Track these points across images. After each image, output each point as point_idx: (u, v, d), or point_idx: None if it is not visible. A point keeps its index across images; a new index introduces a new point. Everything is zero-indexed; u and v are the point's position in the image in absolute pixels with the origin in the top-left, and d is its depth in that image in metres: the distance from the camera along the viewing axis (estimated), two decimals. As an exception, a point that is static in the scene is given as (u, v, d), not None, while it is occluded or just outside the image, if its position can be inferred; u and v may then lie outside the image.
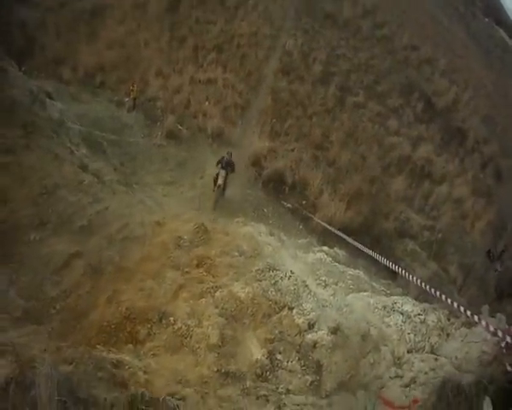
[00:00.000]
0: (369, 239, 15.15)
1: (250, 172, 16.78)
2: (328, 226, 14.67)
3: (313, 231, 15.06)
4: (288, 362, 6.28)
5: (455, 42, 34.65)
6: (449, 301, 7.17)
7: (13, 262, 6.77)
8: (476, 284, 14.85)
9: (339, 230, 14.17)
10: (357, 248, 12.37)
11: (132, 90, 18.57)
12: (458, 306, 6.85)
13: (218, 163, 14.58)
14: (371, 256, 10.98)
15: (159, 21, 23.09)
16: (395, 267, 9.53)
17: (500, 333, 5.44)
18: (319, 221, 15.23)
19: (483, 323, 6.02)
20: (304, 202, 16.16)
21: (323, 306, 7.43)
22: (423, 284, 8.25)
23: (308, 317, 6.98)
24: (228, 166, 14.59)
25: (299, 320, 6.90)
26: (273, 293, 7.32)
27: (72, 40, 21.23)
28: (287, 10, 25.23)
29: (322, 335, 6.67)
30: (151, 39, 22.14)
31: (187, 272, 7.25)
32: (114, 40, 21.90)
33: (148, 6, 23.93)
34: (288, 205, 15.92)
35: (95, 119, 15.85)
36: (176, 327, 6.06)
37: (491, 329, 5.74)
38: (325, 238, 14.36)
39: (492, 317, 6.75)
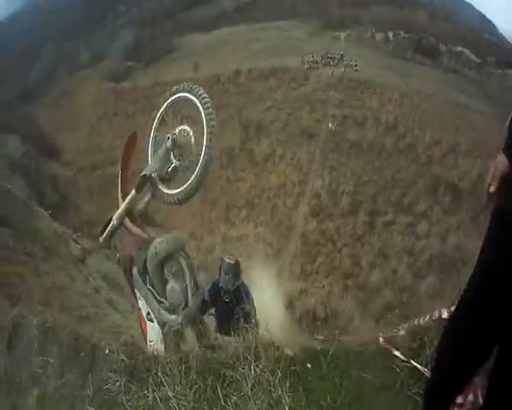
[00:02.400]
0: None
1: (282, 314, 16.91)
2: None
3: None
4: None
5: (474, 117, 35.25)
6: None
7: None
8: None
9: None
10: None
11: None
12: None
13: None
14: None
15: (190, 186, 24.07)
16: None
17: None
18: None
19: None
20: (336, 331, 16.61)
21: None
22: None
23: None
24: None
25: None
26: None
27: (105, 204, 22.32)
28: (313, 153, 26.46)
29: None
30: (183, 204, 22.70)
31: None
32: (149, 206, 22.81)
33: (179, 172, 25.21)
34: (321, 337, 16.17)
35: None
36: None
37: None
38: None
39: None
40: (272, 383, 3.54)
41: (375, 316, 17.62)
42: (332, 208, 23.01)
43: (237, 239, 21.30)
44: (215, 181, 24.61)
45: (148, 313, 5.07)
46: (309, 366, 3.83)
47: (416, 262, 20.85)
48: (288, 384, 3.51)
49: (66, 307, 8.89)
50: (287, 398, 3.41)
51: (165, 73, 42.22)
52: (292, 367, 3.77)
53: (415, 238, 22.04)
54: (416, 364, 3.54)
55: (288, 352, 4.04)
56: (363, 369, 3.67)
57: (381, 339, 4.26)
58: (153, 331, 5.10)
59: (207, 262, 19.42)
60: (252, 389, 3.54)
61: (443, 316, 3.84)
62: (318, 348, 4.08)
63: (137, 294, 5.13)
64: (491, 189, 2.16)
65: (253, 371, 3.64)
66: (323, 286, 19.12)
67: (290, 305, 17.51)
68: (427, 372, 3.39)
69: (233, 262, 6.35)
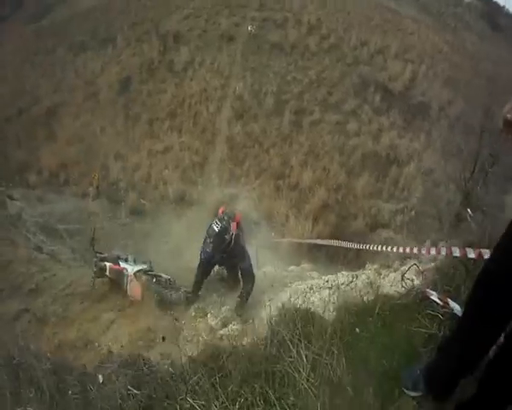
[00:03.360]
0: (342, 245, 15.95)
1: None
2: (291, 239, 15.36)
3: (283, 256, 15.05)
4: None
5: (404, 22, 34.73)
6: (388, 248, 7.32)
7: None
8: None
9: (308, 247, 14.84)
10: (330, 259, 13.15)
11: (94, 179, 18.88)
12: (391, 248, 7.05)
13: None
14: (346, 261, 11.52)
15: (112, 106, 23.70)
16: (357, 246, 10.00)
17: (433, 250, 5.10)
18: (284, 240, 15.80)
19: (423, 252, 5.87)
20: (272, 234, 16.58)
21: (246, 306, 7.52)
22: (363, 246, 8.94)
23: (221, 317, 7.10)
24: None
25: (213, 322, 7.04)
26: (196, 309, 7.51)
27: (32, 146, 21.79)
28: (234, 56, 25.73)
29: (231, 327, 6.76)
30: (107, 125, 22.61)
31: (119, 310, 7.66)
32: (72, 136, 22.39)
33: (100, 94, 24.63)
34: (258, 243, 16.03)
35: (60, 215, 16.21)
36: (98, 349, 6.53)
37: (423, 252, 5.64)
38: (293, 259, 14.15)
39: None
40: (330, 366, 3.27)
41: (311, 216, 17.21)
42: (256, 109, 22.47)
43: (162, 152, 20.74)
44: (136, 97, 23.89)
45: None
46: (357, 330, 3.72)
47: (349, 161, 20.76)
48: (344, 361, 3.30)
49: (15, 286, 8.57)
50: (346, 376, 3.20)
51: (81, 1, 39.39)
52: (345, 339, 3.58)
53: (345, 137, 21.86)
54: (453, 304, 3.57)
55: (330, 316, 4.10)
56: (408, 322, 3.69)
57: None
58: None
59: (134, 181, 18.93)
60: (308, 380, 3.16)
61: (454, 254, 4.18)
62: (361, 305, 4.08)
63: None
64: (509, 116, 2.22)
65: (305, 358, 3.29)
66: (254, 188, 18.92)
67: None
68: (460, 313, 3.37)
69: (217, 230, 6.86)
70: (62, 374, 3.80)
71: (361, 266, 10.09)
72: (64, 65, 28.34)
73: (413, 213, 17.88)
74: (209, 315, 7.17)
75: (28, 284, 8.55)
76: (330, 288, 7.24)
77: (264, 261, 12.84)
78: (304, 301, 6.98)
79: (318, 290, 7.35)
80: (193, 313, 7.25)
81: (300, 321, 3.84)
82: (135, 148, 21.24)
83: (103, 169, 20.30)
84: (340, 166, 20.25)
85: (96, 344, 6.58)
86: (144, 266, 8.15)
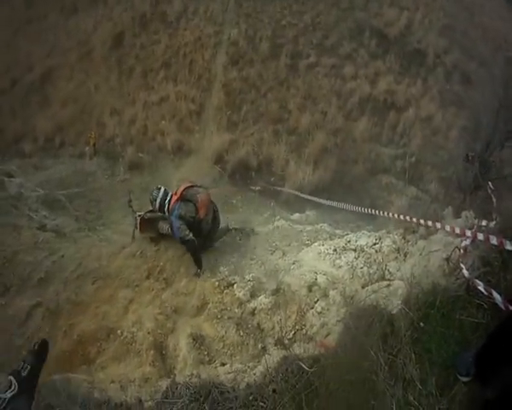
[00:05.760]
0: (342, 189, 16.00)
1: (214, 171, 16.98)
2: (294, 192, 15.26)
3: (286, 202, 15.54)
4: (226, 337, 6.05)
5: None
6: (402, 217, 7.11)
7: (-16, 326, 7.30)
8: (459, 191, 14.14)
9: (310, 192, 14.85)
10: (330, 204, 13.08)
11: (91, 137, 18.81)
12: (411, 219, 6.74)
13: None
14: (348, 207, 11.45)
15: (105, 62, 23.33)
16: (363, 209, 9.85)
17: (469, 233, 4.96)
18: (286, 190, 15.81)
19: (447, 228, 5.66)
20: (272, 179, 16.66)
21: (269, 271, 7.33)
22: (377, 211, 8.60)
23: (249, 287, 6.76)
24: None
25: (240, 293, 6.67)
26: (217, 275, 7.21)
27: (27, 114, 21.56)
28: (227, 3, 25.07)
29: (261, 300, 6.46)
30: (101, 82, 22.42)
31: (137, 285, 7.33)
32: (66, 97, 22.19)
33: (93, 52, 24.19)
34: (258, 188, 16.32)
35: (58, 180, 16.01)
36: (122, 338, 6.20)
37: (457, 231, 5.34)
38: (296, 206, 14.82)
39: (458, 218, 6.75)
40: (403, 363, 3.54)
41: (311, 160, 17.26)
42: (251, 54, 22.06)
43: (158, 103, 20.52)
44: (130, 51, 23.49)
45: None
46: (422, 324, 3.95)
47: (346, 104, 20.61)
48: (414, 357, 3.56)
49: (23, 278, 8.06)
50: (414, 371, 3.45)
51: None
52: (414, 336, 3.82)
53: (341, 80, 21.64)
54: (496, 295, 3.67)
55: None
56: (461, 311, 3.93)
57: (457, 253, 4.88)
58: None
59: (131, 135, 18.73)
60: (384, 380, 3.41)
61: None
62: (422, 298, 4.24)
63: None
64: None
65: (382, 360, 3.51)
66: (253, 134, 18.80)
67: (220, 159, 17.19)
68: (501, 304, 3.56)
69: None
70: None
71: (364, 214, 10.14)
72: (56, 29, 27.75)
73: (413, 159, 17.95)
74: (235, 286, 6.90)
75: (37, 272, 8.15)
76: (354, 250, 7.27)
77: (266, 209, 12.76)
78: (333, 265, 7.08)
79: (343, 253, 7.34)
80: (216, 284, 7.03)
81: (376, 322, 4.09)
82: (130, 101, 21.02)
83: (99, 127, 20.20)
84: (337, 110, 20.10)
85: (119, 332, 6.32)
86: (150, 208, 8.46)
